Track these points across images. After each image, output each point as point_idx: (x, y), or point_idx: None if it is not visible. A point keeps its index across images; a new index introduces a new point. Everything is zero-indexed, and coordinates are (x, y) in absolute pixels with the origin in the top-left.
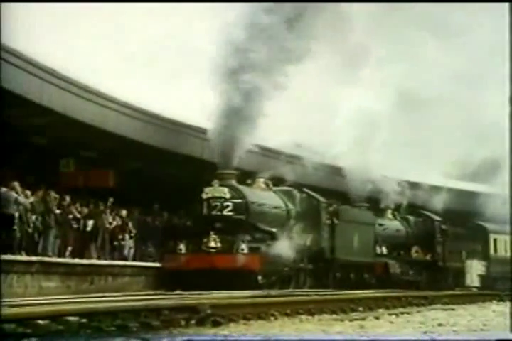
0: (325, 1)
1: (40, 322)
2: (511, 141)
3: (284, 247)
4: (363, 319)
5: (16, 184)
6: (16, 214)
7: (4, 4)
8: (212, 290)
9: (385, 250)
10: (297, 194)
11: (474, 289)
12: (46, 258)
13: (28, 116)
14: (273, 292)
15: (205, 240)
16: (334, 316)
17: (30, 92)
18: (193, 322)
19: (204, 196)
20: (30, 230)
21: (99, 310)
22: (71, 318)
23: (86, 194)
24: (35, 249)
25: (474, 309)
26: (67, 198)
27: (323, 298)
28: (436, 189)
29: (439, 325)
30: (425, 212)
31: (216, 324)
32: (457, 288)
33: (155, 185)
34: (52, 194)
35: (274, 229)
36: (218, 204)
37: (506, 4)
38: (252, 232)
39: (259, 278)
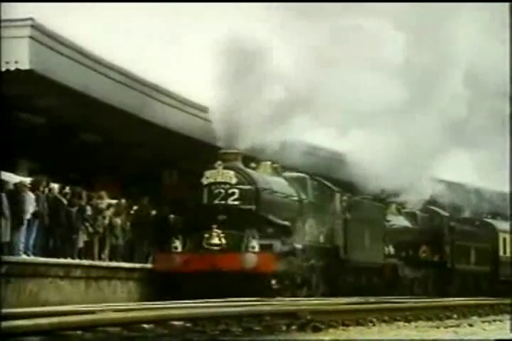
0: (332, 1)
1: (145, 326)
2: (511, 140)
3: (298, 244)
4: (458, 326)
5: (104, 193)
6: (119, 222)
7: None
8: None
9: (392, 250)
10: (309, 181)
11: None
12: (149, 265)
13: (130, 130)
14: (371, 299)
15: (206, 236)
16: (430, 323)
17: (131, 107)
18: (293, 327)
19: (205, 181)
20: (126, 238)
21: (204, 315)
22: (176, 323)
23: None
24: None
25: None
26: (167, 209)
27: (419, 305)
28: None
29: None
30: (433, 207)
31: (316, 330)
32: None
33: None
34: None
35: (287, 223)
36: (222, 191)
37: (506, 4)
38: (262, 226)
39: (273, 282)
